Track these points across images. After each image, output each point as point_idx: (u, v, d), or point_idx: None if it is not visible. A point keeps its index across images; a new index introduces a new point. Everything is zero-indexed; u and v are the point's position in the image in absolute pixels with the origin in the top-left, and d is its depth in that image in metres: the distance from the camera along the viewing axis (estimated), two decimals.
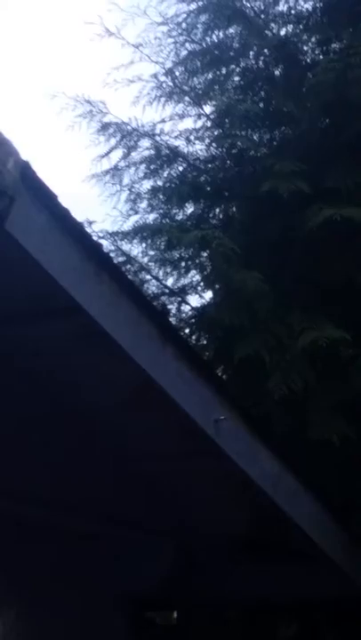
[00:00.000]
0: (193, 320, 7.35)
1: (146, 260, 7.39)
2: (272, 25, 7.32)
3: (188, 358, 4.00)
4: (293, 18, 7.28)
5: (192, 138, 7.42)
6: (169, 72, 7.37)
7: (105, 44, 7.28)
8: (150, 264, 7.41)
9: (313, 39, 7.26)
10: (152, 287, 7.45)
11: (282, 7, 7.33)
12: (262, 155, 6.75)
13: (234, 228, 6.82)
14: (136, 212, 7.50)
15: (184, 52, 7.39)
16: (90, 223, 7.05)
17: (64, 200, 3.18)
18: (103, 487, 4.41)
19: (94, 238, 4.95)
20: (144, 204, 7.48)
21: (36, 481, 4.07)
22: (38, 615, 4.38)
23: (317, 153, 6.42)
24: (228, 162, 7.26)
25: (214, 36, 7.34)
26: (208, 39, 7.34)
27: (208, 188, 7.23)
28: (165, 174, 7.37)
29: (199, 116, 7.47)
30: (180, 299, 7.51)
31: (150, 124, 7.38)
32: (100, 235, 7.15)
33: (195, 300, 7.57)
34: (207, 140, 7.41)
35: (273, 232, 6.37)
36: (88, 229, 6.69)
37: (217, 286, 7.12)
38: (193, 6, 7.35)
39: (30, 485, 4.04)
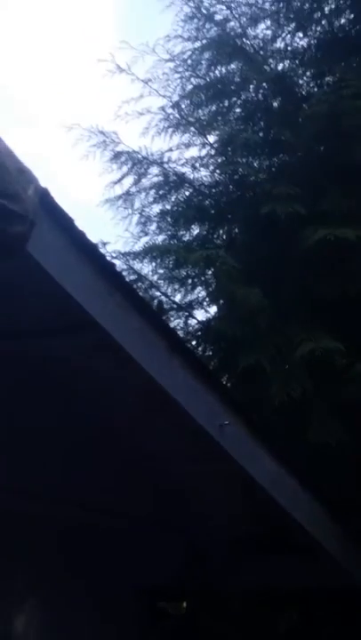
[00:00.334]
0: (199, 333, 7.47)
1: (155, 277, 7.53)
2: (270, 60, 7.49)
3: (194, 368, 4.02)
4: (290, 54, 7.45)
5: (197, 165, 7.56)
6: (176, 105, 7.55)
7: (117, 80, 7.48)
8: (160, 282, 7.55)
9: (308, 73, 7.44)
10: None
11: (279, 44, 7.54)
12: (262, 180, 6.82)
13: (236, 248, 6.95)
14: (146, 234, 7.65)
15: (189, 87, 7.59)
16: (104, 244, 7.23)
17: (80, 223, 3.22)
18: (122, 488, 4.51)
19: (108, 258, 4.90)
20: (153, 227, 7.64)
21: (61, 482, 4.14)
22: (59, 605, 4.40)
23: (313, 178, 6.53)
24: (231, 187, 7.37)
25: (217, 72, 7.52)
26: (212, 74, 7.52)
27: (212, 211, 7.39)
28: (173, 199, 7.53)
29: (204, 145, 7.61)
30: (187, 313, 7.62)
31: (159, 152, 7.55)
32: (114, 255, 7.32)
33: (201, 315, 7.69)
34: (211, 167, 7.56)
35: (272, 251, 6.51)
36: (102, 250, 6.83)
37: (221, 301, 7.23)
38: (197, 44, 7.57)
39: (56, 487, 4.12)
